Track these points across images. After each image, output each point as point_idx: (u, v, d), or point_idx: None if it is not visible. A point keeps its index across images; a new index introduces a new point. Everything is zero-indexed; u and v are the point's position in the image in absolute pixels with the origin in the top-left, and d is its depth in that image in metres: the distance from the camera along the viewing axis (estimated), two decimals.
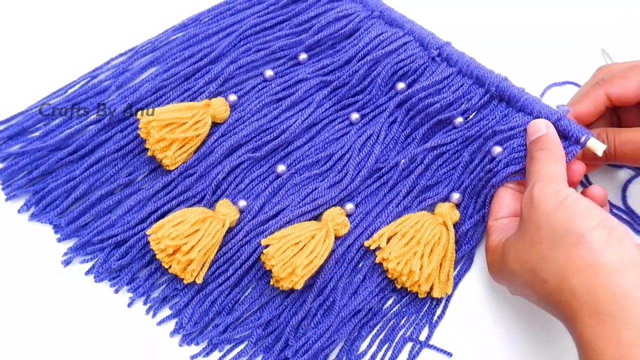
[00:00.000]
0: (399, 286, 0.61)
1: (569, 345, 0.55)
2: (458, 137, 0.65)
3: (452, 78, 0.66)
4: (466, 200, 0.64)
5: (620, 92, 0.60)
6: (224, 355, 0.59)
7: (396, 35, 0.68)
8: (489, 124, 0.64)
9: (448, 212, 0.62)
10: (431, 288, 0.60)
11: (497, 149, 0.62)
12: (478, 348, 0.60)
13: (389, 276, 0.60)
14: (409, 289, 0.60)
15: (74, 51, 0.72)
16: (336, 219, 0.61)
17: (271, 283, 0.60)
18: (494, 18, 0.77)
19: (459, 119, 0.65)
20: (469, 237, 0.63)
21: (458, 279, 0.63)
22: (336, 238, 0.61)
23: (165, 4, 0.75)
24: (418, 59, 0.67)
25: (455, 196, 0.63)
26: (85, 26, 0.74)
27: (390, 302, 0.61)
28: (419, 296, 0.60)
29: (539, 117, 0.62)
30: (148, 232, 0.58)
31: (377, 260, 0.60)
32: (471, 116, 0.65)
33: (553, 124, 0.60)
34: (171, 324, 0.60)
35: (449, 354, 0.60)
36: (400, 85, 0.67)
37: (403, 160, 0.64)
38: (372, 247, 0.60)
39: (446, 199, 0.64)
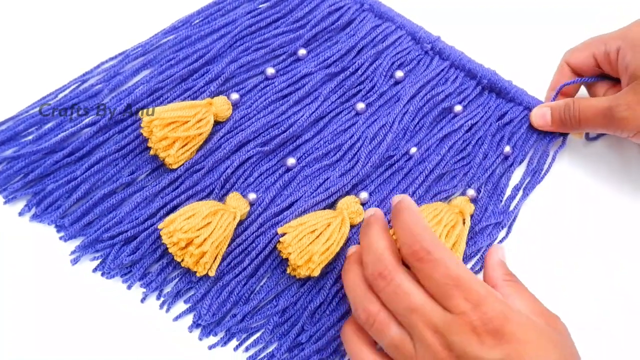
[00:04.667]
0: None
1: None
2: (463, 123, 0.69)
3: (446, 70, 0.71)
4: (485, 198, 0.67)
5: (573, 61, 0.70)
6: (241, 343, 0.60)
7: (389, 29, 0.73)
8: (486, 112, 0.69)
9: (463, 203, 0.65)
10: None
11: (507, 149, 0.68)
12: None
13: None
14: None
15: (61, 56, 0.72)
16: (351, 207, 0.63)
17: (288, 271, 0.61)
18: (480, 14, 0.82)
19: (458, 107, 0.70)
20: (487, 234, 0.66)
21: None
22: (352, 226, 0.63)
23: (153, 7, 0.76)
24: (412, 52, 0.72)
25: (470, 192, 0.66)
26: (73, 31, 0.74)
27: None
28: None
29: (529, 107, 0.69)
30: (160, 226, 0.59)
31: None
32: (469, 106, 0.71)
33: None
34: (184, 317, 0.61)
35: None
36: (399, 74, 0.71)
37: (414, 149, 0.68)
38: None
39: (462, 193, 0.67)
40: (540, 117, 0.69)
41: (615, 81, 0.68)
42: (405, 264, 0.53)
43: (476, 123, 0.70)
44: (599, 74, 0.69)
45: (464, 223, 0.64)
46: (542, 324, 0.49)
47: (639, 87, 0.61)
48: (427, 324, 0.48)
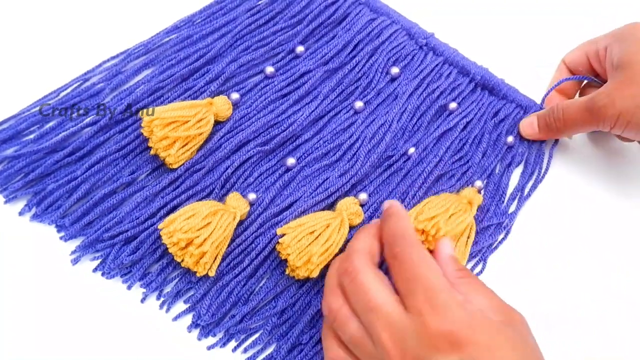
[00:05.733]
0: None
1: (573, 349, 0.60)
2: (458, 121, 0.69)
3: (440, 66, 0.71)
4: (487, 199, 0.67)
5: (569, 61, 0.72)
6: (240, 344, 0.60)
7: (385, 23, 0.73)
8: (480, 109, 0.70)
9: (472, 194, 0.65)
10: None
11: (510, 138, 0.69)
12: None
13: None
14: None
15: (63, 55, 0.72)
16: (350, 209, 0.62)
17: (287, 272, 0.61)
18: (472, 12, 0.82)
19: (453, 104, 0.70)
20: (488, 235, 0.66)
21: None
22: (351, 228, 0.63)
23: (156, 6, 0.76)
24: (407, 46, 0.72)
25: (478, 183, 0.67)
26: (75, 30, 0.74)
27: None
28: None
29: (520, 105, 0.71)
30: (160, 226, 0.59)
31: None
32: (463, 102, 0.71)
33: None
34: (184, 317, 0.61)
35: None
36: (394, 70, 0.71)
37: (413, 149, 0.67)
38: None
39: (470, 184, 0.67)
40: (528, 126, 0.70)
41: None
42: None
43: (471, 120, 0.70)
44: (593, 74, 0.71)
45: (471, 210, 0.64)
46: (499, 323, 0.48)
47: (618, 76, 0.62)
48: (385, 324, 0.48)
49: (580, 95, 0.72)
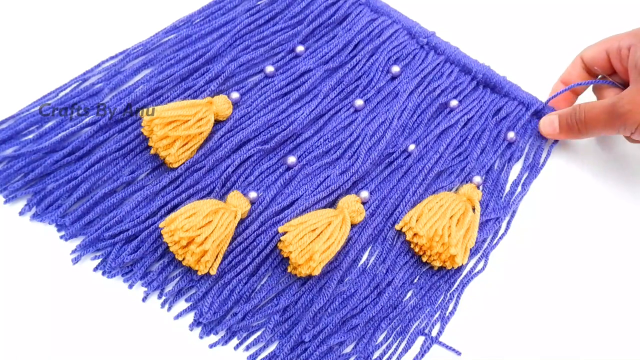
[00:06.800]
0: (425, 259, 0.63)
1: (575, 346, 0.61)
2: (459, 118, 0.70)
3: (442, 65, 0.72)
4: (485, 194, 0.68)
5: (587, 56, 0.70)
6: (242, 342, 0.60)
7: (385, 23, 0.74)
8: (482, 107, 0.70)
9: (471, 191, 0.65)
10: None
11: (511, 134, 0.69)
12: (488, 349, 0.62)
13: (417, 250, 0.63)
14: (436, 260, 0.62)
15: (62, 55, 0.72)
16: (352, 206, 0.63)
17: (289, 270, 0.61)
18: (474, 10, 0.83)
19: (454, 102, 0.70)
20: (487, 229, 0.66)
21: (471, 276, 0.65)
22: (352, 225, 0.63)
23: (155, 6, 0.76)
24: (408, 46, 0.73)
25: (477, 179, 0.67)
26: (74, 30, 0.74)
27: (409, 294, 0.63)
28: (447, 265, 0.62)
29: (523, 103, 0.71)
30: (161, 224, 0.59)
31: (407, 238, 0.63)
32: (464, 100, 0.71)
33: (536, 111, 0.71)
34: (185, 315, 0.61)
35: (458, 353, 0.61)
36: (395, 69, 0.71)
37: (413, 146, 0.68)
38: (404, 230, 0.63)
39: (469, 181, 0.68)
40: (549, 124, 0.69)
41: (623, 88, 0.68)
42: None
43: (472, 118, 0.71)
44: (611, 71, 0.69)
45: (474, 210, 0.64)
46: None
47: None
48: None
49: (595, 93, 0.72)
